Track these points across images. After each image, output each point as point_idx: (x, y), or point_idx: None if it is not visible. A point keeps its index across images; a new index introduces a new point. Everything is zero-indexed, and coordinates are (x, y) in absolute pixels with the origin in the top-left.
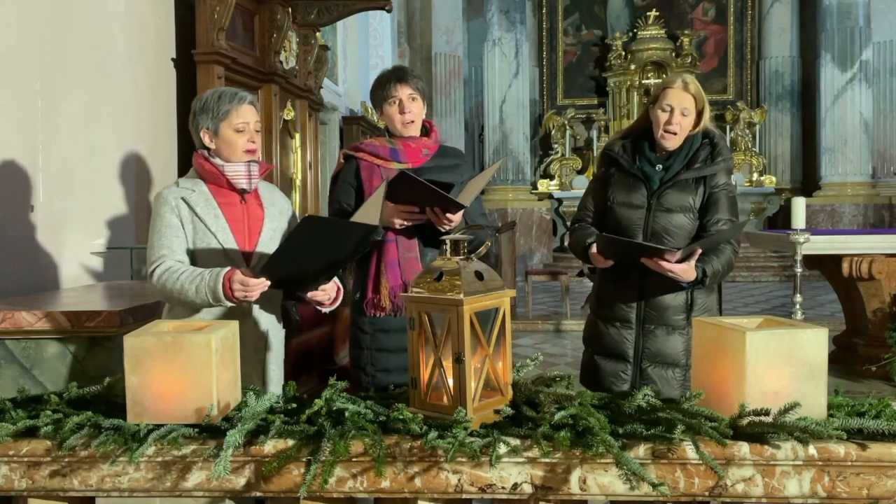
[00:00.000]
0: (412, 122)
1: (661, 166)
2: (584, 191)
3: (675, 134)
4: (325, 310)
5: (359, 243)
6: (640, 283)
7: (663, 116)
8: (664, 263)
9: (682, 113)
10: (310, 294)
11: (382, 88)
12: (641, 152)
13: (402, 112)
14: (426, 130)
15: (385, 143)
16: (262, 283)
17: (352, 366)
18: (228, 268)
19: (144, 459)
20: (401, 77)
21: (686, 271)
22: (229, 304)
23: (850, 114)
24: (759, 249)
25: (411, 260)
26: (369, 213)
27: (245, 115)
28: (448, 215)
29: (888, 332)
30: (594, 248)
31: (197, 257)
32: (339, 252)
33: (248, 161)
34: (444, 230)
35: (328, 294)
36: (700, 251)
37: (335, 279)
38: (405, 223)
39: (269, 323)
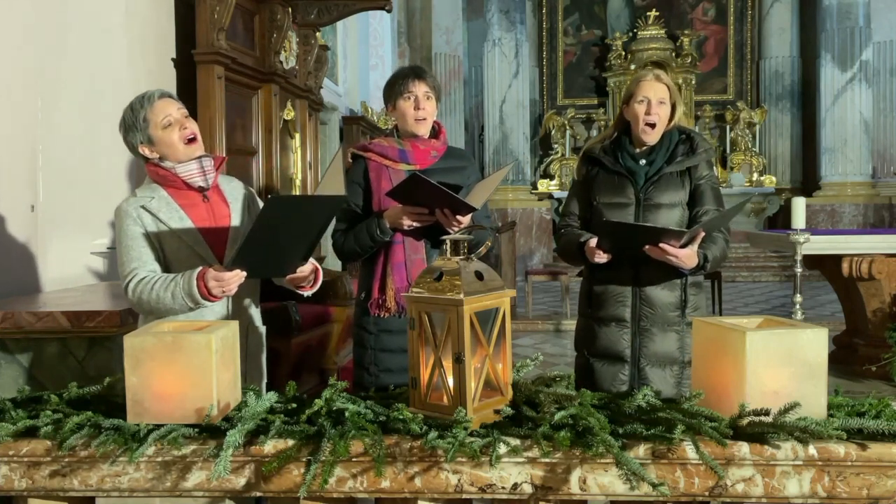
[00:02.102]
0: (424, 119)
1: (644, 161)
2: None
3: (654, 126)
4: (307, 293)
5: (329, 217)
6: (635, 277)
7: (641, 108)
8: (668, 248)
9: (659, 102)
10: (288, 277)
11: (399, 83)
12: (623, 149)
13: (416, 108)
14: (435, 132)
15: (394, 144)
16: (238, 275)
17: (355, 365)
18: (200, 268)
19: (144, 459)
20: (419, 74)
21: (689, 256)
22: (209, 303)
23: (850, 114)
24: (759, 249)
25: (418, 262)
26: (332, 183)
27: (163, 110)
28: (458, 217)
29: (888, 332)
30: (592, 243)
31: (170, 263)
32: (310, 228)
33: (200, 156)
34: (452, 232)
35: (307, 277)
36: (703, 233)
37: (312, 260)
38: (413, 224)
39: (249, 322)
